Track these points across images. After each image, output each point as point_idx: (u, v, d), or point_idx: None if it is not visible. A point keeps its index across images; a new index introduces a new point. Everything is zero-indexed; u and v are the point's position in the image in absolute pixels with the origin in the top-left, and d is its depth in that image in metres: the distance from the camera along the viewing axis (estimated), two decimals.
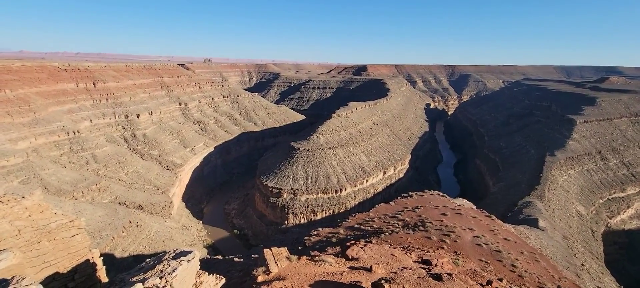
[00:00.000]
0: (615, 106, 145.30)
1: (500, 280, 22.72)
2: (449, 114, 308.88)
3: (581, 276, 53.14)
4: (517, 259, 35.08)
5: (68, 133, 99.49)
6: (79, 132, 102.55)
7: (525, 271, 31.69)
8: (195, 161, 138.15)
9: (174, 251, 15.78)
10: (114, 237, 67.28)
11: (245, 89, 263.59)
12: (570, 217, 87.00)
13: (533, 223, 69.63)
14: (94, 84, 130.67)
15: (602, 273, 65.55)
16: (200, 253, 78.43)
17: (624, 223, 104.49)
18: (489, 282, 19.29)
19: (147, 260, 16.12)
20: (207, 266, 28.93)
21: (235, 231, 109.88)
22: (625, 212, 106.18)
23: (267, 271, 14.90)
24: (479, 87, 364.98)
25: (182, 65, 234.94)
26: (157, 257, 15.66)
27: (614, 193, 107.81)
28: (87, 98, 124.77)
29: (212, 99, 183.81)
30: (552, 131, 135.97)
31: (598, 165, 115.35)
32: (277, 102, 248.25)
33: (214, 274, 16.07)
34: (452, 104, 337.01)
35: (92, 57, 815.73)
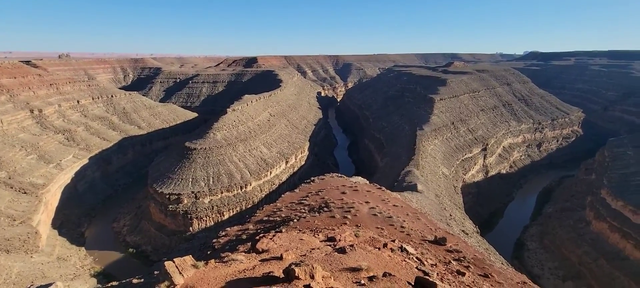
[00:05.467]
0: (459, 85, 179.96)
1: (393, 241, 27.16)
2: (338, 100, 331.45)
3: (450, 224, 65.89)
4: (404, 221, 41.78)
5: None
6: None
7: (411, 229, 38.12)
8: (65, 178, 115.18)
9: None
10: None
11: (121, 88, 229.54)
12: (438, 178, 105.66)
13: (413, 188, 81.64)
14: None
15: (464, 219, 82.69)
16: (87, 284, 67.51)
17: (473, 177, 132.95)
18: (385, 245, 22.83)
19: None
20: None
21: (131, 250, 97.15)
22: (473, 168, 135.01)
23: (172, 284, 13.55)
24: (360, 74, 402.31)
25: (28, 62, 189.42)
26: None
27: (465, 155, 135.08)
28: None
29: (78, 101, 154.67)
30: (419, 109, 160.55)
31: (452, 134, 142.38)
32: (162, 101, 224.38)
33: None
34: (340, 90, 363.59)
35: None
